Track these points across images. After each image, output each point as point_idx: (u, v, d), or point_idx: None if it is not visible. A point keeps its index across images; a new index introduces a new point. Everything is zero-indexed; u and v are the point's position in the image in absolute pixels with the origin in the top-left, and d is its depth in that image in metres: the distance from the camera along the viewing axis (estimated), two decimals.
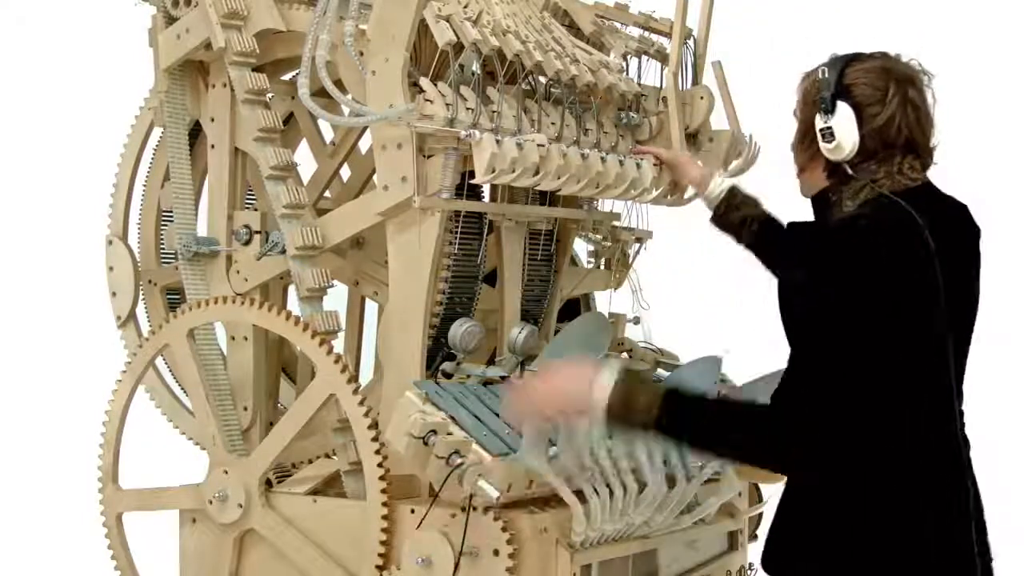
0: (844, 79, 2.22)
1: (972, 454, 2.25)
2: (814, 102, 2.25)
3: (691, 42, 3.23)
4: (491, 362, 3.18)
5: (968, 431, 2.25)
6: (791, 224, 2.33)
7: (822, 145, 2.24)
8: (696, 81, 3.23)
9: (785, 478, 2.27)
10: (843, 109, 2.21)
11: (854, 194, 2.22)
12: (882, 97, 2.21)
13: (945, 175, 2.31)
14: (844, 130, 2.21)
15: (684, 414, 2.07)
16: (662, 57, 3.29)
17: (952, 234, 2.20)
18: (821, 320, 2.05)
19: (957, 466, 2.19)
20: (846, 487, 2.12)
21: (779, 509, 2.25)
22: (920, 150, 2.24)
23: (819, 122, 2.23)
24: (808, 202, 2.39)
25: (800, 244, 2.27)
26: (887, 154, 2.21)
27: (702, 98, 3.17)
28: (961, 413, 2.23)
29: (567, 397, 2.12)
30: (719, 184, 2.92)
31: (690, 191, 3.16)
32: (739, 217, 2.87)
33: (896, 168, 2.21)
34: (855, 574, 2.12)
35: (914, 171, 2.22)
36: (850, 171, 2.22)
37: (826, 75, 2.23)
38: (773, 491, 3.10)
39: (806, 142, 2.30)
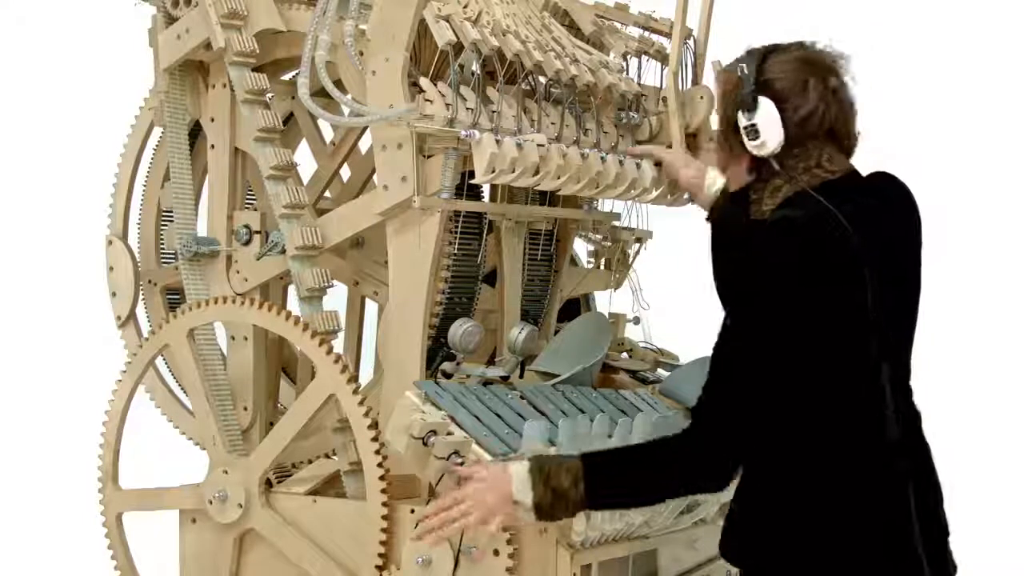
0: (763, 73, 2.19)
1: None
2: (734, 99, 2.23)
3: (691, 42, 3.22)
4: (491, 362, 3.18)
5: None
6: (713, 222, 2.33)
7: (748, 143, 2.21)
8: (696, 81, 3.23)
9: None
10: (765, 104, 2.18)
11: (773, 191, 2.22)
12: (802, 89, 2.18)
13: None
14: (768, 126, 2.18)
15: (608, 481, 2.18)
16: (662, 57, 3.29)
17: (883, 217, 2.20)
18: (739, 322, 2.11)
19: (888, 458, 2.20)
20: (783, 480, 2.18)
21: (734, 497, 2.30)
22: (841, 139, 2.23)
23: (743, 120, 2.21)
24: None
25: (722, 242, 2.27)
26: (806, 148, 2.19)
27: (702, 98, 3.17)
28: (910, 389, 2.26)
29: (492, 507, 2.22)
30: (712, 183, 2.90)
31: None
32: None
33: (814, 163, 2.19)
34: (799, 556, 2.17)
35: (832, 163, 2.21)
36: (776, 165, 2.20)
37: (745, 72, 2.20)
38: None
39: (728, 139, 2.27)
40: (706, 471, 2.16)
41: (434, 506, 2.33)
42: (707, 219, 2.91)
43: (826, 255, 2.10)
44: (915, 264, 2.27)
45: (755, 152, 2.21)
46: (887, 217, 2.22)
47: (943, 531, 2.26)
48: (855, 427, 2.17)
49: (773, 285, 2.08)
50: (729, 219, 2.37)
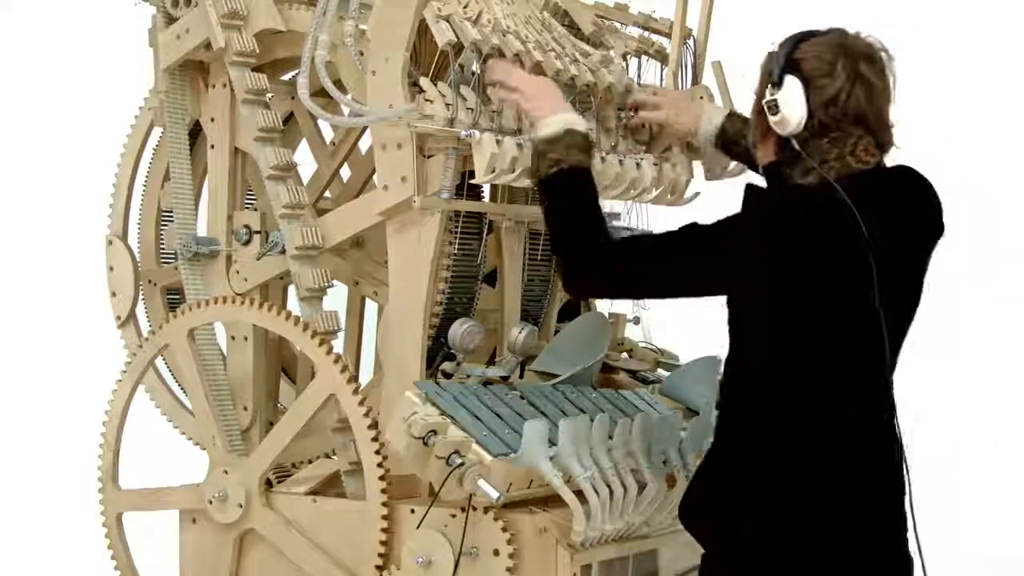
0: (795, 54, 2.23)
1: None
2: (764, 76, 2.27)
3: (691, 42, 3.22)
4: (491, 362, 3.18)
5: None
6: (748, 186, 2.36)
7: (769, 118, 2.24)
8: (696, 81, 3.23)
9: None
10: (791, 83, 2.21)
11: (803, 174, 2.24)
12: (830, 71, 2.21)
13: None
14: (790, 104, 2.21)
15: (567, 184, 2.38)
16: (662, 57, 3.29)
17: (901, 216, 2.23)
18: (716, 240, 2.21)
19: (882, 436, 2.24)
20: (756, 447, 2.24)
21: (699, 467, 2.37)
22: (873, 127, 2.24)
23: (767, 95, 2.24)
24: None
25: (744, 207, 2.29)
26: (841, 134, 2.22)
27: (702, 98, 3.17)
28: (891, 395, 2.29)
29: (540, 101, 2.53)
30: (711, 118, 2.90)
31: (690, 191, 3.16)
32: (738, 152, 2.90)
33: (849, 150, 2.22)
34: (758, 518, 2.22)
35: (868, 153, 2.23)
36: (796, 146, 2.23)
37: (777, 50, 2.25)
38: None
39: (758, 116, 2.31)
40: (585, 266, 2.30)
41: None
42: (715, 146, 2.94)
43: (838, 234, 2.14)
44: (920, 265, 2.29)
45: (776, 129, 2.24)
46: (902, 214, 2.24)
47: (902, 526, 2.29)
48: (843, 403, 2.21)
49: (784, 240, 2.15)
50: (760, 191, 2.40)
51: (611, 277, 2.29)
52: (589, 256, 2.28)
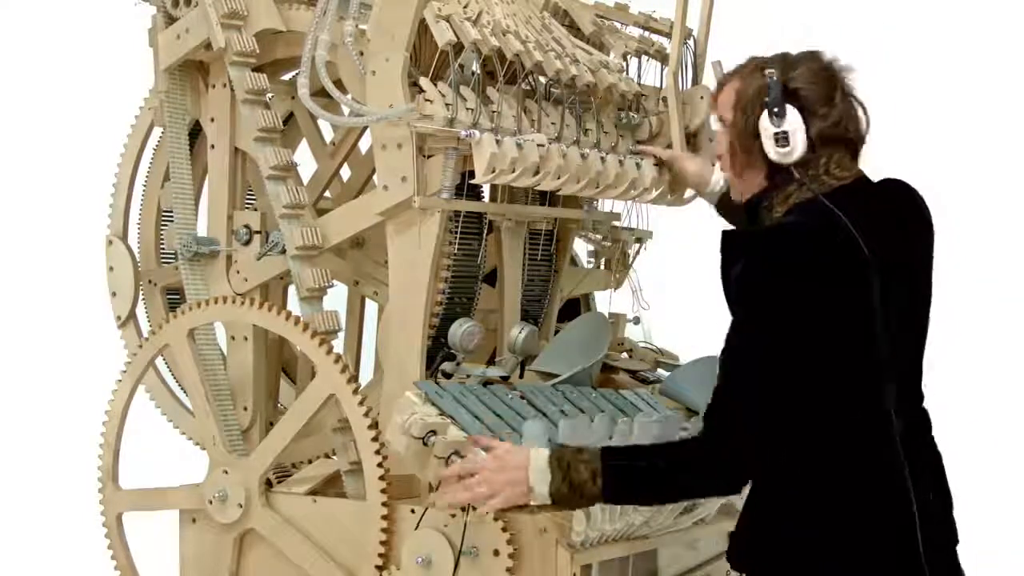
0: (790, 82, 2.19)
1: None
2: (759, 105, 2.21)
3: (691, 42, 3.22)
4: (491, 362, 3.18)
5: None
6: (724, 232, 2.32)
7: (775, 149, 2.19)
8: (696, 81, 3.23)
9: None
10: (792, 112, 2.18)
11: (784, 199, 2.22)
12: (828, 99, 2.19)
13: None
14: (796, 134, 2.18)
15: (626, 480, 2.17)
16: (662, 57, 3.29)
17: (892, 224, 2.20)
18: (748, 328, 2.12)
19: (894, 462, 2.20)
20: (791, 487, 2.19)
21: (745, 505, 2.31)
22: (858, 145, 2.24)
23: (770, 126, 2.19)
24: None
25: (733, 253, 2.24)
26: (817, 155, 2.19)
27: (702, 98, 3.17)
28: (920, 395, 2.27)
29: (509, 493, 2.21)
30: (720, 179, 2.91)
31: (690, 192, 3.16)
32: (732, 215, 2.88)
33: (823, 169, 2.19)
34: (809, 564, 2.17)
35: (841, 168, 2.21)
36: (796, 173, 2.20)
37: (773, 78, 2.19)
38: None
39: (747, 145, 2.24)
40: (719, 476, 2.16)
41: (457, 467, 2.32)
42: (716, 209, 2.92)
43: (831, 260, 2.11)
44: (925, 270, 2.27)
45: (779, 160, 2.20)
46: (896, 223, 2.22)
47: (951, 538, 2.26)
48: (859, 433, 2.17)
49: (778, 289, 2.09)
50: (739, 228, 2.37)
51: (739, 453, 2.15)
52: (714, 461, 2.15)
